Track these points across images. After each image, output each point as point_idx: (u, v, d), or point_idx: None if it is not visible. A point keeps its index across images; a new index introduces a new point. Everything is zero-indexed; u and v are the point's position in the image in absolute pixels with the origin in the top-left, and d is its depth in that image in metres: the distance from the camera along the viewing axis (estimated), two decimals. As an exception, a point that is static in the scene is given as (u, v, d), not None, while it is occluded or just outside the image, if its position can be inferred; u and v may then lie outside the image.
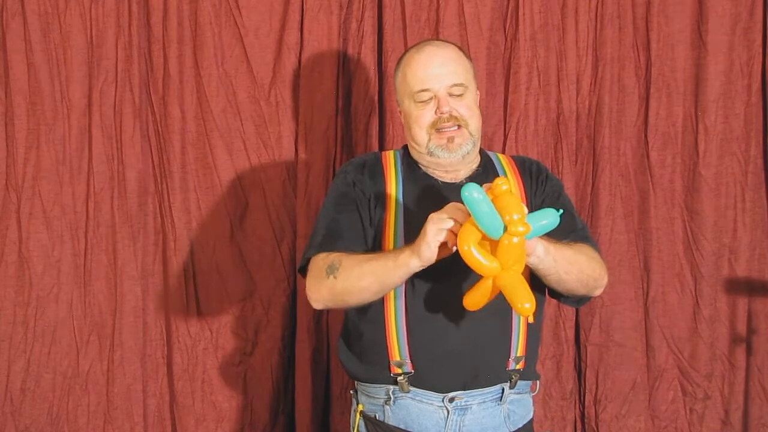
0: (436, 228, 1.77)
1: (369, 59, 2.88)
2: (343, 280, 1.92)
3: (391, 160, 2.15)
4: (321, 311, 2.88)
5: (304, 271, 2.07)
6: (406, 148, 2.19)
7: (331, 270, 1.94)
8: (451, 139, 2.04)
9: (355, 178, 2.10)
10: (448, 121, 2.04)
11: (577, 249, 2.00)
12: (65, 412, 2.87)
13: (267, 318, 2.92)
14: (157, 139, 2.90)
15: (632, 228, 2.97)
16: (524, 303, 1.71)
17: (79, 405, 2.87)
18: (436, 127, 2.04)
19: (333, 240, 2.02)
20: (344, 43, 2.90)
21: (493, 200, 1.73)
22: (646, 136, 2.96)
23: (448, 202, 1.90)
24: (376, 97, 2.89)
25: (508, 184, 1.76)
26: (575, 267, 1.97)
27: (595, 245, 2.12)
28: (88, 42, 2.84)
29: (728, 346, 2.97)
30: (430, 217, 1.80)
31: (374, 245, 2.04)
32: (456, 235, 1.76)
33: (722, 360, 2.97)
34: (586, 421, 3.00)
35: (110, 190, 2.87)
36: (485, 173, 2.12)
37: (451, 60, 2.08)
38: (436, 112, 2.04)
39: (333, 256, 1.96)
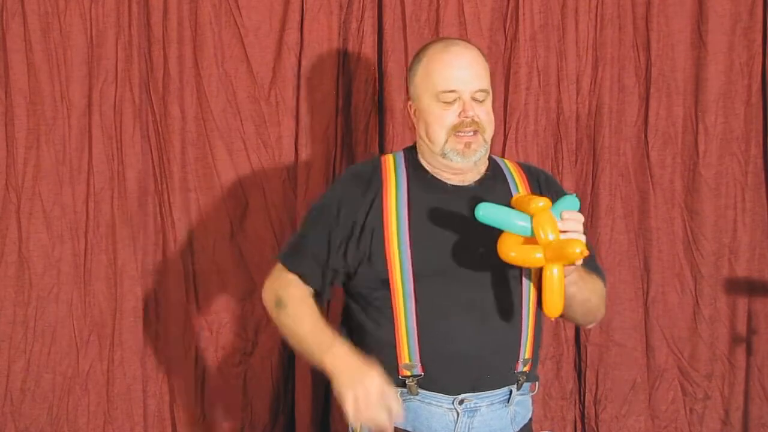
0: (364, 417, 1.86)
1: (369, 59, 2.88)
2: (283, 324, 2.08)
3: (390, 165, 2.12)
4: (323, 311, 2.89)
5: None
6: (409, 150, 2.16)
7: (279, 306, 2.08)
8: (468, 145, 2.02)
9: (344, 195, 2.08)
10: (469, 126, 2.02)
11: (591, 286, 2.05)
12: (65, 412, 2.87)
13: (267, 318, 2.88)
14: (157, 139, 2.90)
15: (632, 228, 2.97)
16: (575, 248, 1.76)
17: (79, 405, 2.87)
18: (456, 131, 2.02)
19: (295, 256, 2.11)
20: (344, 43, 2.90)
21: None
22: (646, 136, 2.96)
23: (458, 206, 2.00)
24: (376, 97, 2.89)
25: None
26: (586, 306, 2.05)
27: (602, 275, 2.16)
28: (88, 42, 2.84)
29: (728, 346, 2.98)
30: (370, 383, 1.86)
31: (375, 250, 2.03)
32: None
33: (722, 360, 2.98)
34: (586, 421, 3.00)
35: (110, 190, 2.87)
36: (494, 178, 2.11)
37: (478, 63, 2.07)
38: (459, 115, 2.02)
39: (284, 293, 2.08)
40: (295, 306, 2.06)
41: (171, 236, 2.89)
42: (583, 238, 1.82)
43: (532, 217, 1.80)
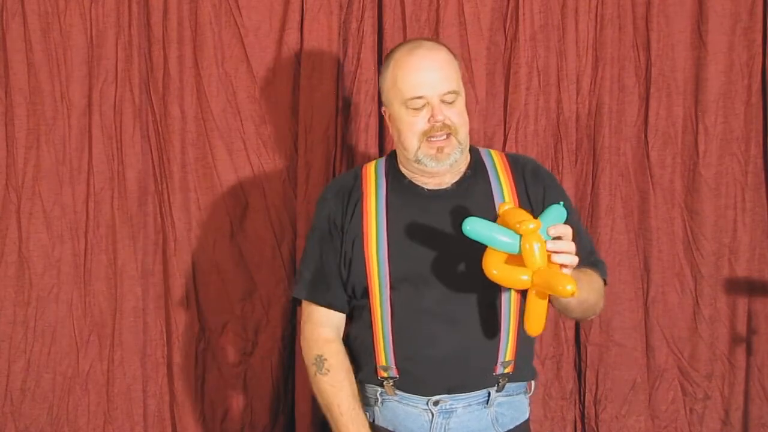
0: None
1: (369, 59, 2.88)
2: (317, 389, 2.09)
3: (371, 173, 2.13)
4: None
5: (296, 301, 2.20)
6: (390, 156, 2.17)
7: (318, 367, 2.08)
8: (440, 149, 2.01)
9: (331, 209, 2.11)
10: (440, 130, 2.00)
11: (589, 284, 2.02)
12: (65, 412, 2.87)
13: (267, 318, 2.92)
14: (157, 139, 2.90)
15: (632, 228, 2.97)
16: (565, 285, 1.70)
17: (79, 405, 2.87)
18: (428, 136, 2.01)
19: (320, 288, 2.11)
20: (344, 43, 2.90)
21: (500, 222, 1.78)
22: (646, 136, 2.95)
23: (436, 212, 2.00)
24: (376, 97, 2.89)
25: (510, 204, 1.84)
26: (583, 306, 2.02)
27: (602, 268, 2.14)
28: (88, 42, 2.84)
29: (728, 346, 2.97)
30: None
31: (355, 258, 2.05)
32: None
33: (722, 360, 2.97)
34: (586, 421, 3.00)
35: (110, 190, 2.87)
36: (474, 176, 2.10)
37: (444, 64, 2.04)
38: (429, 120, 2.00)
39: (326, 351, 2.08)
40: (336, 375, 2.07)
41: (171, 236, 2.89)
42: (569, 259, 1.78)
43: (520, 237, 1.74)
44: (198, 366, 2.92)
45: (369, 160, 2.29)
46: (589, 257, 2.08)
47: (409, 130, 2.03)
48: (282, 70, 2.90)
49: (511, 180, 2.11)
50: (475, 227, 1.77)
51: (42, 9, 2.82)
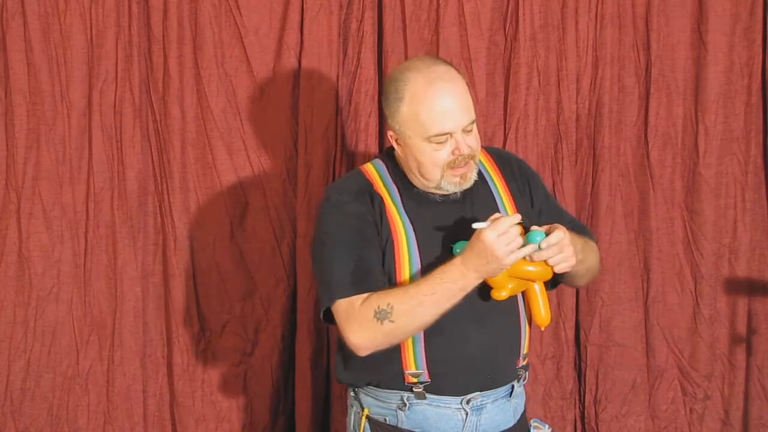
0: (511, 256, 1.88)
1: (369, 59, 2.88)
2: (402, 322, 1.92)
3: (377, 179, 2.11)
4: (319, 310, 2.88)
5: (328, 315, 2.02)
6: (389, 160, 2.13)
7: (383, 315, 1.91)
8: (464, 176, 2.02)
9: (358, 209, 2.04)
10: (463, 160, 2.01)
11: (585, 244, 2.10)
12: (65, 412, 2.87)
13: (267, 318, 2.92)
14: (157, 139, 2.90)
15: (632, 228, 2.97)
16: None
17: (79, 405, 2.88)
18: (451, 166, 2.00)
19: (363, 279, 1.97)
20: (344, 43, 2.90)
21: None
22: (646, 136, 2.96)
23: (450, 219, 2.02)
24: (376, 97, 2.89)
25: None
26: (586, 264, 2.11)
27: (588, 230, 2.25)
28: (88, 42, 2.84)
29: (728, 346, 2.98)
30: (493, 240, 1.86)
31: (387, 262, 2.02)
32: None
33: (722, 360, 2.98)
34: (586, 421, 3.00)
35: (110, 190, 2.87)
36: (477, 184, 2.09)
37: (463, 94, 2.01)
38: (453, 152, 1.99)
39: (375, 299, 1.93)
40: (395, 295, 1.93)
41: (171, 236, 2.89)
42: (568, 264, 1.94)
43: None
44: (198, 366, 2.92)
45: (369, 160, 2.29)
46: (573, 225, 2.14)
47: (431, 162, 2.01)
48: (282, 69, 2.90)
49: (502, 178, 2.15)
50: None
51: (42, 9, 2.82)
